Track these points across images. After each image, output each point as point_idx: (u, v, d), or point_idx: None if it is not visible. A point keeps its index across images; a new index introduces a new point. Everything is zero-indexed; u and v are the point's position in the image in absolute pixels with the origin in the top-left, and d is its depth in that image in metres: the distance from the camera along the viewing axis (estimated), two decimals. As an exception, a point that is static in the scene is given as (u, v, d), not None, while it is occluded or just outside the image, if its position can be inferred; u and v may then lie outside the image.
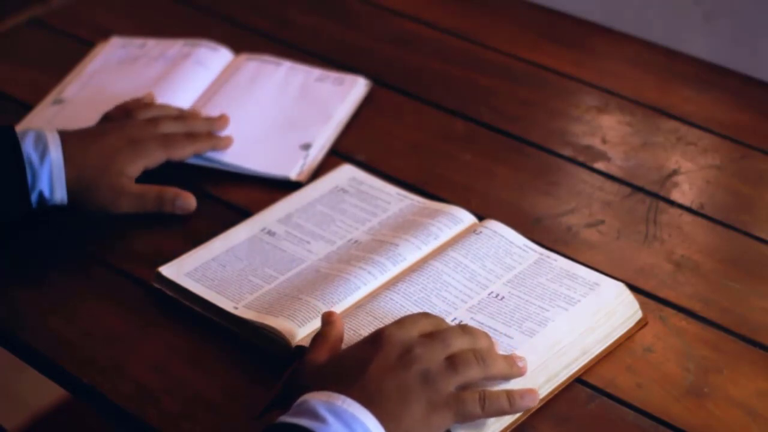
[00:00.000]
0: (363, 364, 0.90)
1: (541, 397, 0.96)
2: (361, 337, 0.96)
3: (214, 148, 1.22)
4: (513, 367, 0.95)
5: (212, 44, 1.39)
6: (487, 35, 1.46)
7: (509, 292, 1.04)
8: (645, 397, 0.98)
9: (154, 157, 1.17)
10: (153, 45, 1.40)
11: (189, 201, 1.16)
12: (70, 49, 1.42)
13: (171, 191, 1.16)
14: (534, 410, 0.95)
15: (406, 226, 1.11)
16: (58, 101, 1.31)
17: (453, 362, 0.91)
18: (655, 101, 1.34)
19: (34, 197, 1.10)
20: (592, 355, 1.00)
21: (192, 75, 1.34)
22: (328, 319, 0.97)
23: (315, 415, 0.86)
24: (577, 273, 1.06)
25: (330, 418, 0.86)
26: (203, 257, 1.09)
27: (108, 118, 1.21)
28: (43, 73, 1.37)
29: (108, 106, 1.23)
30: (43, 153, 1.10)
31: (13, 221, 1.12)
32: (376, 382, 0.89)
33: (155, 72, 1.35)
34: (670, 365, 1.00)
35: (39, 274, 1.11)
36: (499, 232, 1.09)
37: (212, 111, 1.29)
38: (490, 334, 0.98)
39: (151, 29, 1.45)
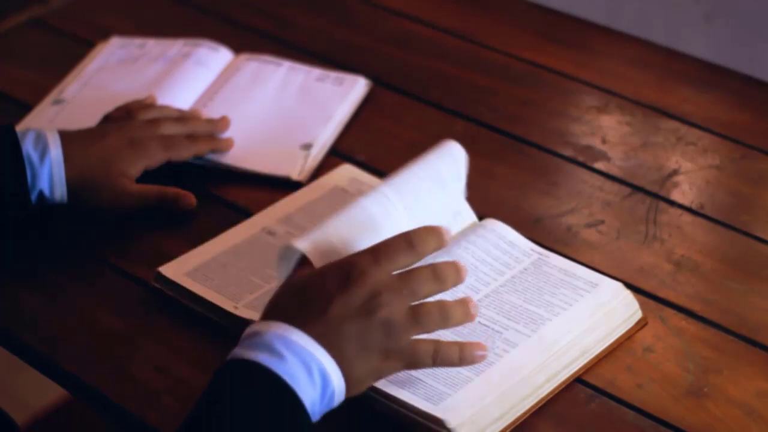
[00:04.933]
0: (328, 299, 0.89)
1: (541, 397, 0.96)
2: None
3: (215, 150, 1.22)
4: (467, 314, 0.93)
5: (212, 44, 1.39)
6: (487, 35, 1.46)
7: (509, 292, 1.04)
8: (645, 397, 0.98)
9: (155, 158, 1.17)
10: (153, 45, 1.40)
11: (189, 201, 1.16)
12: (70, 49, 1.42)
13: (171, 191, 1.16)
14: (534, 410, 0.96)
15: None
16: (58, 101, 1.31)
17: (416, 315, 0.91)
18: (655, 101, 1.34)
19: (34, 196, 1.10)
20: (592, 355, 1.00)
21: (192, 75, 1.34)
22: None
23: (271, 350, 0.86)
24: (576, 273, 1.06)
25: (287, 354, 0.86)
26: (203, 257, 1.09)
27: (109, 119, 1.21)
28: (43, 73, 1.37)
29: (108, 106, 1.23)
30: (43, 152, 1.10)
31: (14, 221, 1.12)
32: (338, 323, 0.89)
33: (155, 72, 1.35)
34: (670, 365, 1.00)
35: (39, 274, 1.10)
36: (499, 231, 1.09)
37: (213, 111, 1.29)
38: (489, 334, 0.99)
39: (151, 29, 1.45)
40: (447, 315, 0.92)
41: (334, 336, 0.88)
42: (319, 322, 0.88)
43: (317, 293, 0.90)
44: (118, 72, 1.36)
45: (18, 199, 1.09)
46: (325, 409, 0.89)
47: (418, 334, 0.91)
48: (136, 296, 1.08)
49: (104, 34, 1.43)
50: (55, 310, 1.07)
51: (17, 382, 2.02)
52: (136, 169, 1.15)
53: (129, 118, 1.20)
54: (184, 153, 1.19)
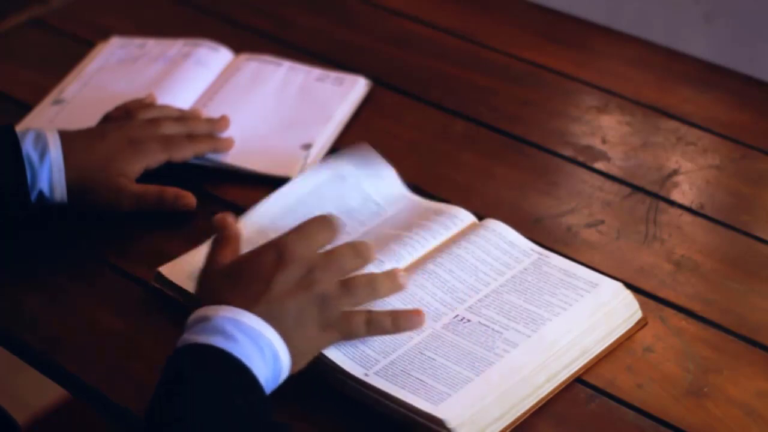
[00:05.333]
0: (267, 278, 0.94)
1: (541, 397, 0.96)
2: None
3: (215, 150, 1.22)
4: (395, 284, 0.98)
5: (212, 44, 1.39)
6: (487, 35, 1.46)
7: (508, 292, 1.04)
8: (645, 397, 0.98)
9: (155, 158, 1.17)
10: (153, 45, 1.40)
11: (189, 201, 1.16)
12: (70, 49, 1.42)
13: (171, 191, 1.16)
14: (534, 410, 0.96)
15: (406, 226, 1.11)
16: (58, 101, 1.31)
17: (347, 285, 0.96)
18: (655, 101, 1.34)
19: (33, 196, 1.10)
20: (592, 355, 1.00)
21: (192, 75, 1.34)
22: (223, 222, 1.01)
23: (223, 333, 0.89)
24: (576, 273, 1.06)
25: (239, 336, 0.89)
26: (203, 257, 1.09)
27: (108, 119, 1.21)
28: (43, 73, 1.37)
29: (108, 106, 1.23)
30: (43, 152, 1.10)
31: (14, 221, 1.12)
32: (279, 301, 0.93)
33: (155, 72, 1.35)
34: (670, 365, 1.00)
35: (39, 274, 1.10)
36: (499, 231, 1.09)
37: (213, 111, 1.29)
38: (489, 334, 0.99)
39: (151, 29, 1.45)
40: (375, 286, 0.97)
41: (278, 314, 0.92)
42: (261, 301, 0.92)
43: (255, 274, 0.94)
44: (118, 72, 1.36)
45: (18, 200, 1.09)
46: (274, 386, 0.91)
47: (351, 305, 0.96)
48: (136, 296, 1.08)
49: (104, 34, 1.43)
50: (55, 310, 1.07)
51: (17, 382, 2.02)
52: (136, 168, 1.15)
53: (129, 118, 1.20)
54: (185, 152, 1.19)
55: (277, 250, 0.96)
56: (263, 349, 0.90)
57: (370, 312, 0.97)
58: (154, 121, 1.20)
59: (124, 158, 1.15)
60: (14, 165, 1.09)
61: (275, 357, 0.90)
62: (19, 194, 1.09)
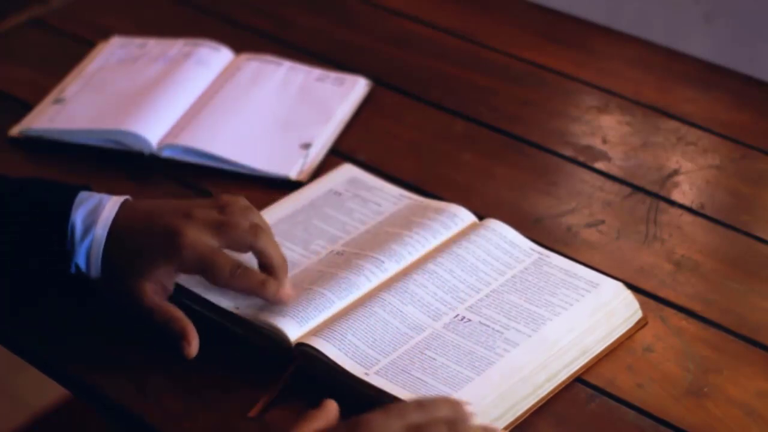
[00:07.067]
0: None
1: (541, 396, 0.96)
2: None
3: (261, 294, 1.02)
4: None
5: (213, 44, 1.39)
6: (487, 35, 1.46)
7: (509, 292, 1.04)
8: (645, 397, 0.98)
9: (189, 265, 1.01)
10: (153, 45, 1.40)
11: (189, 350, 1.01)
12: (70, 49, 1.42)
13: (179, 326, 1.01)
14: (534, 410, 0.96)
15: (406, 225, 1.11)
16: (59, 100, 1.31)
17: None
18: (655, 101, 1.34)
19: (72, 268, 1.04)
20: (593, 355, 1.00)
21: (193, 75, 1.34)
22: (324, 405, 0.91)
23: None
24: (576, 273, 1.06)
25: None
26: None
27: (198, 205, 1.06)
28: (43, 73, 1.37)
29: (109, 105, 1.23)
30: (89, 229, 1.03)
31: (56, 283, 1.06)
32: None
33: (156, 71, 1.35)
34: (670, 365, 1.00)
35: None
36: (499, 231, 1.09)
37: (213, 110, 1.29)
38: (490, 333, 0.99)
39: (152, 29, 1.45)
40: None
41: None
42: None
43: None
44: (119, 72, 1.36)
45: (56, 267, 1.04)
46: None
47: None
48: (137, 296, 1.08)
49: (104, 34, 1.43)
50: (55, 309, 1.07)
51: (17, 382, 2.02)
52: (164, 271, 1.01)
53: (218, 208, 1.05)
54: (222, 280, 1.01)
55: (355, 425, 0.85)
56: None
57: None
58: (225, 222, 1.02)
59: (156, 254, 1.01)
60: (58, 234, 1.02)
61: None
62: (57, 263, 1.03)
